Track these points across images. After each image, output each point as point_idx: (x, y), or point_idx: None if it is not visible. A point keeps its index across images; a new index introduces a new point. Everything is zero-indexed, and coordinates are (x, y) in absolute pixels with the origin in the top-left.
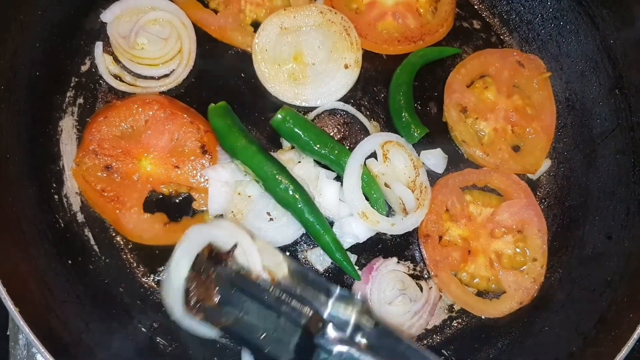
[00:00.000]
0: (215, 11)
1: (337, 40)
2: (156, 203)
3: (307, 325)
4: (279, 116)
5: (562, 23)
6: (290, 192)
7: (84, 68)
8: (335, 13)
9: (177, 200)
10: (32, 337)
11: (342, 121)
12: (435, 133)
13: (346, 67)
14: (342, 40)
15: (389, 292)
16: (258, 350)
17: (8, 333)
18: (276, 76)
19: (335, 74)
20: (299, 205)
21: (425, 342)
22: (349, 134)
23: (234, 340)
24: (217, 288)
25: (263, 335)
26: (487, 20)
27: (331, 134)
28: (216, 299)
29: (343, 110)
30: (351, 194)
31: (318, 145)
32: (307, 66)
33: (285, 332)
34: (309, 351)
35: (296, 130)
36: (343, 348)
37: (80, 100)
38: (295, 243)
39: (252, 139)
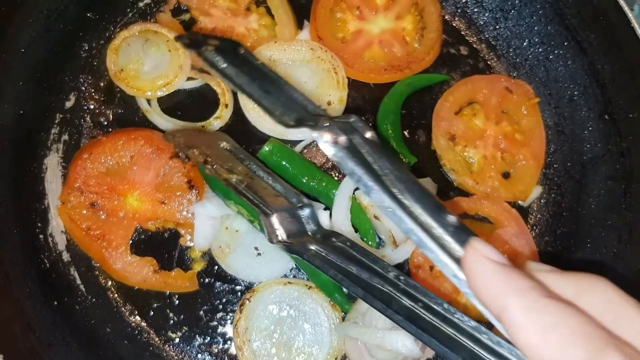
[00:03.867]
0: None
1: (325, 77)
2: (144, 242)
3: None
4: (266, 149)
5: (550, 48)
6: None
7: (68, 104)
8: (326, 51)
9: (165, 236)
10: None
11: None
12: (424, 161)
13: (329, 104)
14: (329, 78)
15: (381, 324)
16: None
17: None
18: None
19: None
20: None
21: None
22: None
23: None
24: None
25: None
26: (475, 46)
27: (319, 165)
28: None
29: None
30: (340, 226)
31: (306, 178)
32: None
33: None
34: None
35: (283, 163)
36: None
37: (65, 137)
38: (285, 277)
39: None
